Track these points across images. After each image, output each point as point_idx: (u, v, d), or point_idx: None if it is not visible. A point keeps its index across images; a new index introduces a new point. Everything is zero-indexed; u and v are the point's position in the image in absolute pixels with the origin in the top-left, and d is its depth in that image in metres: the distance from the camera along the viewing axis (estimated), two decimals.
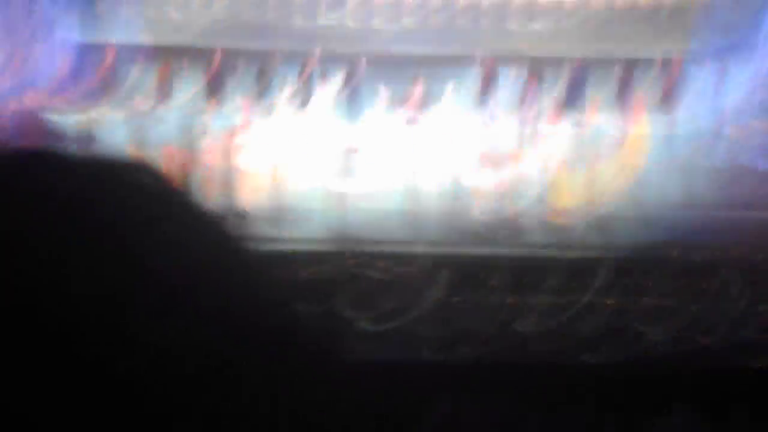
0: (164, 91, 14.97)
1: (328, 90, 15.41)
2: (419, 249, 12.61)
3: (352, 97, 15.31)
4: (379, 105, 15.12)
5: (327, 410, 0.75)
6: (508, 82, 15.82)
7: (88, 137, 14.39)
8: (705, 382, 9.16)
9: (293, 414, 0.74)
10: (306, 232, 13.00)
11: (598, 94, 15.50)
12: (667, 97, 16.08)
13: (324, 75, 15.33)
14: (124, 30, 15.69)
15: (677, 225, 14.15)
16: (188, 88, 14.87)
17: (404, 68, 16.04)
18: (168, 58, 15.62)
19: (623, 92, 15.87)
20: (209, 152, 14.32)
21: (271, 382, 0.73)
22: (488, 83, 15.66)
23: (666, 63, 16.54)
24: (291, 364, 0.74)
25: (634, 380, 9.19)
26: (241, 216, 13.26)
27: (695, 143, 15.29)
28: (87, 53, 15.56)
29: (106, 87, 14.92)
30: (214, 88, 15.04)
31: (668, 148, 15.11)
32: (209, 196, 13.66)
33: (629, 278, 11.65)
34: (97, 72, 15.14)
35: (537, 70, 16.35)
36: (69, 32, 15.45)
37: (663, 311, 11.24)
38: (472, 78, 15.87)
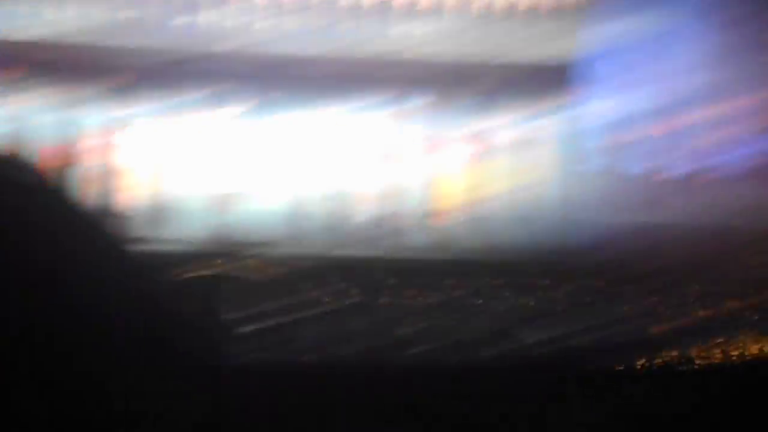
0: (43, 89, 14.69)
1: (215, 92, 15.27)
2: (303, 251, 12.60)
3: (238, 100, 15.19)
4: (264, 108, 15.03)
5: (210, 415, 0.75)
6: (394, 87, 15.90)
7: None
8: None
9: (174, 419, 0.75)
10: (189, 233, 12.88)
11: (478, 98, 15.67)
12: (549, 102, 16.34)
13: (208, 77, 15.21)
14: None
15: (559, 228, 14.40)
16: (66, 87, 14.61)
17: (292, 72, 16.01)
18: (44, 56, 15.36)
19: (505, 97, 16.07)
20: (89, 151, 14.09)
21: (152, 386, 0.74)
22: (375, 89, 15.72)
23: (547, 69, 16.83)
24: (172, 367, 0.75)
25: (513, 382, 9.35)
26: (122, 216, 13.09)
27: (574, 149, 15.56)
28: None
29: None
30: (95, 87, 14.82)
31: (549, 153, 15.35)
32: (90, 195, 13.44)
33: (509, 281, 11.80)
34: None
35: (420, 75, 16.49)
36: None
37: (539, 313, 11.39)
38: (358, 83, 15.91)
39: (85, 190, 13.38)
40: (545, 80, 16.59)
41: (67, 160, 13.84)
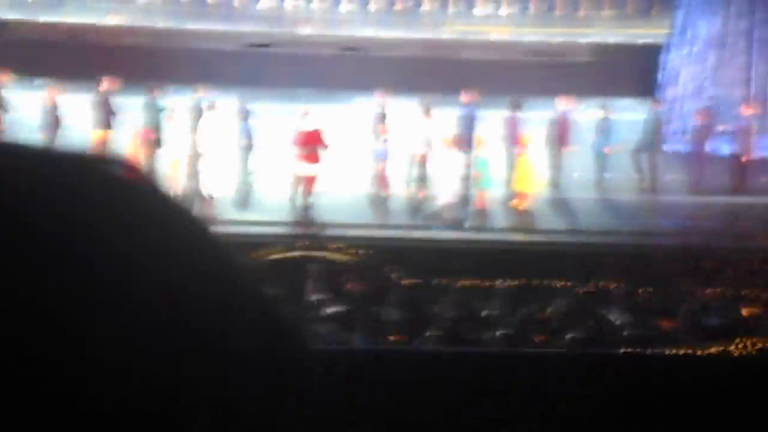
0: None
1: (291, 77, 15.33)
2: (382, 233, 12.59)
3: (317, 85, 15.24)
4: (344, 90, 15.06)
5: (296, 399, 0.70)
6: (472, 69, 15.81)
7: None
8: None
9: (263, 404, 0.69)
10: (268, 216, 12.95)
11: (565, 81, 15.53)
12: (633, 84, 16.13)
13: (286, 63, 15.29)
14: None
15: (637, 210, 14.24)
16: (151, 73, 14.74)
17: (370, 54, 16.00)
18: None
19: (589, 78, 15.91)
20: (173, 133, 14.21)
21: (243, 371, 0.69)
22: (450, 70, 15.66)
23: (634, 49, 16.61)
24: (263, 351, 0.70)
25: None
26: (206, 200, 13.18)
27: (657, 129, 15.38)
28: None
29: None
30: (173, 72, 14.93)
31: (629, 133, 15.19)
32: (173, 183, 13.52)
33: (592, 263, 11.67)
34: None
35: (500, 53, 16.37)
36: None
37: (623, 295, 11.26)
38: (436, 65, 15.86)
39: (168, 175, 13.43)
40: (630, 63, 16.35)
41: (150, 145, 13.94)
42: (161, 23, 15.86)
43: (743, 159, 15.29)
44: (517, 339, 10.30)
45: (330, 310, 10.48)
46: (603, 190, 14.75)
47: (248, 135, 14.52)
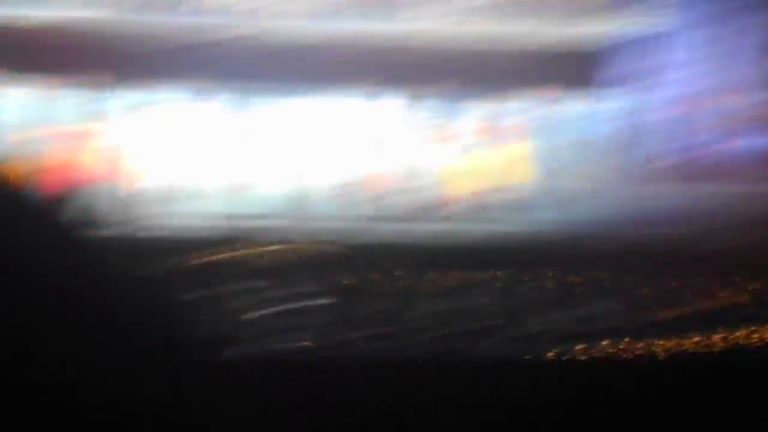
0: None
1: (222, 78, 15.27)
2: (311, 236, 12.56)
3: (248, 85, 15.18)
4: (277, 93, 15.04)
5: (213, 408, 0.41)
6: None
7: None
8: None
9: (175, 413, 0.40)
10: (193, 218, 12.87)
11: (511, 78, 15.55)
12: (588, 79, 16.14)
13: (215, 64, 15.18)
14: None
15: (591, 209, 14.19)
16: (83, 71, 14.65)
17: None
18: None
19: (540, 75, 15.90)
20: (99, 135, 14.14)
21: (156, 376, 0.39)
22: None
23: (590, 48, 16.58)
24: (174, 357, 0.41)
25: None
26: (125, 201, 13.08)
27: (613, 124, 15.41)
28: None
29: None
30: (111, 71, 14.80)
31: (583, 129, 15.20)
32: (96, 181, 13.44)
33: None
34: None
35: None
36: None
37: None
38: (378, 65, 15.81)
39: (89, 176, 13.39)
40: (571, 65, 16.34)
41: (74, 147, 13.89)
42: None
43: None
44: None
45: (252, 315, 10.23)
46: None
47: (173, 137, 14.46)
